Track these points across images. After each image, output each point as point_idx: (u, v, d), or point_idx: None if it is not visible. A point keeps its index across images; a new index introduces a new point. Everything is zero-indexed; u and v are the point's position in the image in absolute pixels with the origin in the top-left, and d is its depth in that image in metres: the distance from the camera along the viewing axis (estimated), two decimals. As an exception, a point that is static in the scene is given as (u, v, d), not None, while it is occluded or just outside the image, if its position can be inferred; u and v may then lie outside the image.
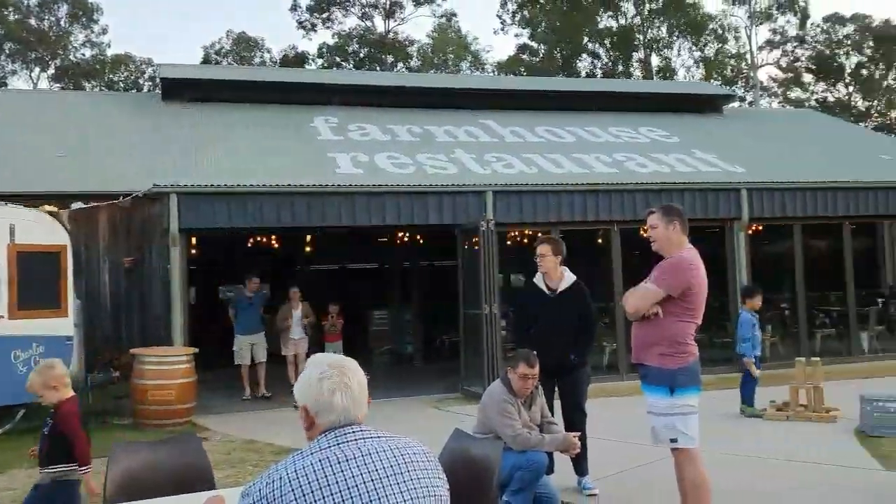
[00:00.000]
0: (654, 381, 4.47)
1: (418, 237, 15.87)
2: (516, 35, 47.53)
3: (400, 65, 45.07)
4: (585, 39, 45.40)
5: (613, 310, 12.01)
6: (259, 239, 15.53)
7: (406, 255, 17.27)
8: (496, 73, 45.00)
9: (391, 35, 46.09)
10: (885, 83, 52.46)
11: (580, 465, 5.91)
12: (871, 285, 15.59)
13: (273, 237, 15.56)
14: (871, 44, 51.57)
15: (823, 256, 15.03)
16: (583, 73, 44.48)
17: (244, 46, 45.18)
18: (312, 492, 1.95)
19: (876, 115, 52.72)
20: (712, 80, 43.52)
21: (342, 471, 1.99)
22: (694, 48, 47.58)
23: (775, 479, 6.27)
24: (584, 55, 46.38)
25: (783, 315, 14.37)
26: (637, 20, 45.79)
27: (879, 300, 14.91)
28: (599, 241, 13.36)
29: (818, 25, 51.39)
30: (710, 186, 12.91)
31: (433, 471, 2.15)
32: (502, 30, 47.34)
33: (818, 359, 9.11)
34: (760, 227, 13.85)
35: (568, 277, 6.13)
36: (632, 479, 6.40)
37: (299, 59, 43.88)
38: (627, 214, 12.15)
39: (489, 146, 15.57)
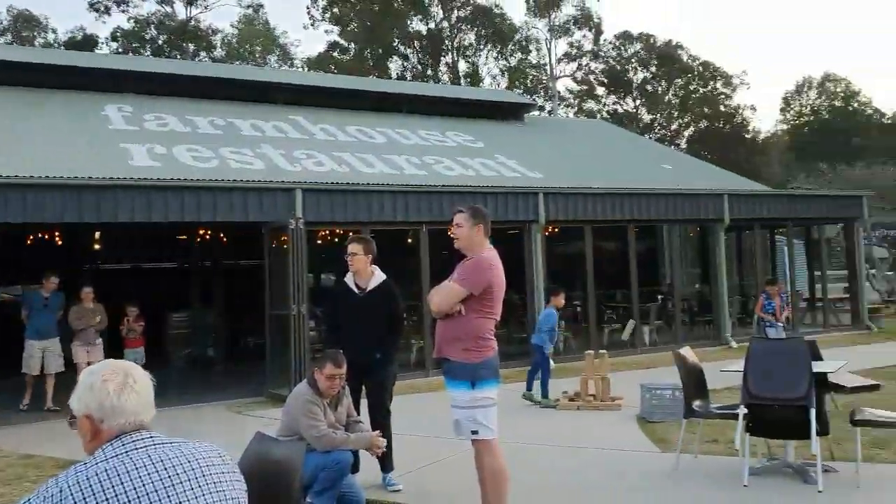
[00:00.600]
0: (457, 376, 4.61)
1: (222, 235, 15.25)
2: (326, 32, 47.13)
3: (203, 55, 43.10)
4: (396, 41, 45.92)
5: (422, 308, 12.24)
6: (42, 236, 14.18)
7: (209, 253, 16.54)
8: (306, 69, 44.32)
9: (193, 23, 43.94)
10: (667, 98, 57.73)
11: (385, 462, 5.96)
12: (652, 283, 17.09)
13: (58, 233, 14.27)
14: (655, 61, 56.52)
15: (611, 257, 16.27)
16: (393, 75, 44.96)
17: (25, 25, 41.14)
18: None
19: (659, 127, 57.89)
20: (515, 89, 45.58)
21: (131, 480, 1.86)
22: (499, 57, 49.65)
23: (568, 464, 6.68)
24: (395, 57, 46.91)
25: (576, 311, 15.37)
26: (445, 25, 46.98)
27: (659, 297, 16.38)
28: (409, 240, 13.57)
29: (611, 42, 55.51)
30: (511, 190, 13.53)
31: (230, 474, 2.06)
32: (312, 25, 46.73)
33: (605, 352, 9.82)
34: (556, 229, 14.73)
35: (378, 276, 6.16)
36: (435, 472, 6.55)
37: (89, 43, 40.64)
38: (435, 215, 12.42)
39: (299, 143, 15.30)
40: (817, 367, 5.99)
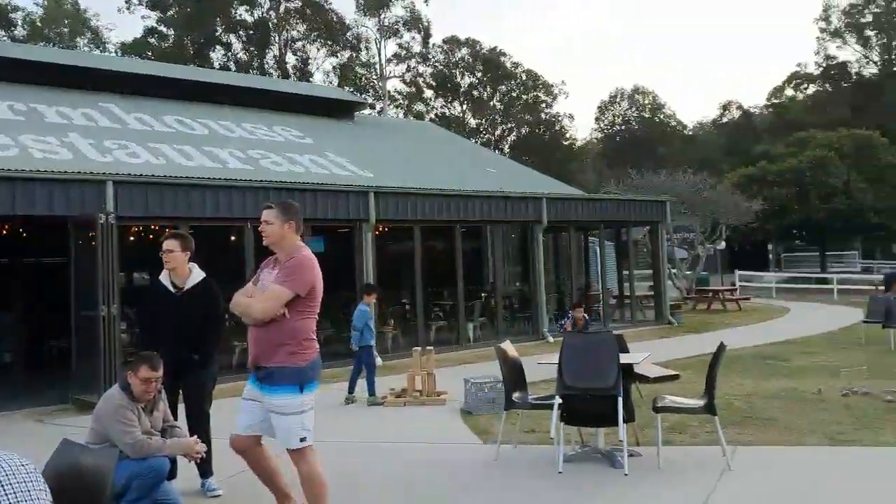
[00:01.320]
0: (283, 381, 4.41)
1: (21, 230, 13.96)
2: (143, 17, 44.43)
3: (1, 33, 39.30)
4: (219, 29, 44.18)
5: (245, 308, 11.82)
6: None
7: (6, 250, 15.07)
8: (120, 54, 41.57)
9: (-10, -3, 40.02)
10: (492, 104, 59.71)
11: (204, 467, 5.71)
12: (476, 282, 17.63)
13: None
14: (480, 67, 58.27)
15: (439, 256, 16.60)
16: (216, 65, 43.24)
17: None
18: None
19: (484, 132, 59.78)
20: (345, 87, 45.36)
21: None
22: (330, 53, 49.18)
23: (391, 459, 6.73)
24: (218, 46, 45.12)
25: (405, 309, 15.54)
26: (272, 15, 45.79)
27: (483, 294, 16.92)
28: (233, 238, 13.10)
29: (438, 46, 56.59)
30: (342, 188, 13.44)
31: (34, 483, 1.89)
32: (128, 9, 43.92)
33: (431, 348, 10.00)
34: (386, 228, 14.82)
35: (196, 275, 5.88)
36: (255, 477, 6.35)
37: None
38: (262, 213, 12.06)
39: (110, 132, 14.33)
40: (624, 358, 6.44)
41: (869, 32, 58.84)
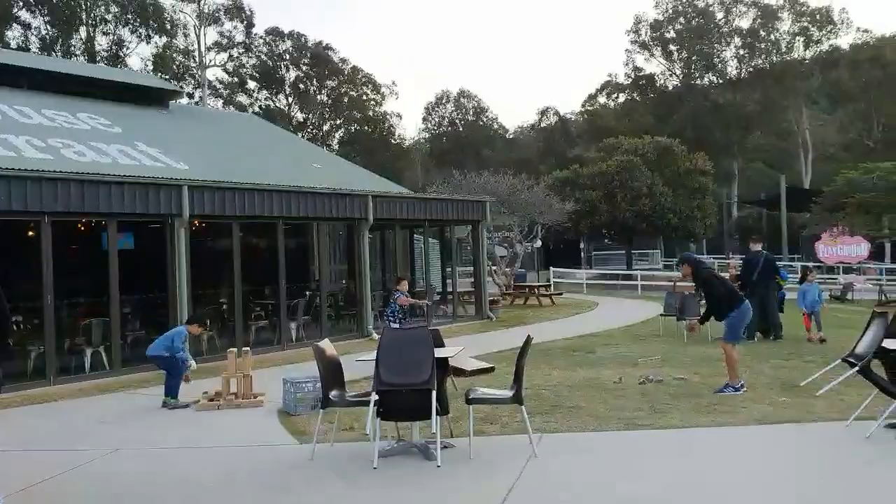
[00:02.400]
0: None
1: None
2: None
3: None
4: (16, 6, 40.43)
5: (42, 311, 10.91)
6: None
7: None
8: None
9: None
10: (319, 98, 58.96)
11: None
12: (300, 279, 17.34)
13: None
14: (307, 61, 57.34)
15: (260, 253, 16.16)
16: (13, 45, 39.52)
17: None
18: None
19: (311, 126, 58.91)
20: (161, 74, 43.02)
21: None
22: (144, 38, 46.42)
23: (197, 465, 6.47)
24: (15, 24, 41.28)
25: (222, 309, 14.99)
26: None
27: (307, 292, 16.67)
28: (29, 233, 12.04)
29: (262, 37, 55.05)
30: (152, 181, 12.72)
31: None
32: None
33: (248, 349, 9.73)
34: (203, 224, 14.21)
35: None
36: (40, 493, 5.88)
37: None
38: (62, 206, 11.18)
39: None
40: (439, 353, 6.59)
41: (672, 47, 64.16)
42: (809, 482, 5.56)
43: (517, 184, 26.80)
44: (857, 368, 6.91)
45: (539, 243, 29.24)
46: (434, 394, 6.08)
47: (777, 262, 14.68)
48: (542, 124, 67.50)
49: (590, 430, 7.22)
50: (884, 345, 6.76)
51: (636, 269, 37.75)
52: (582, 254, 43.93)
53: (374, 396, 6.18)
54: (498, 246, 29.07)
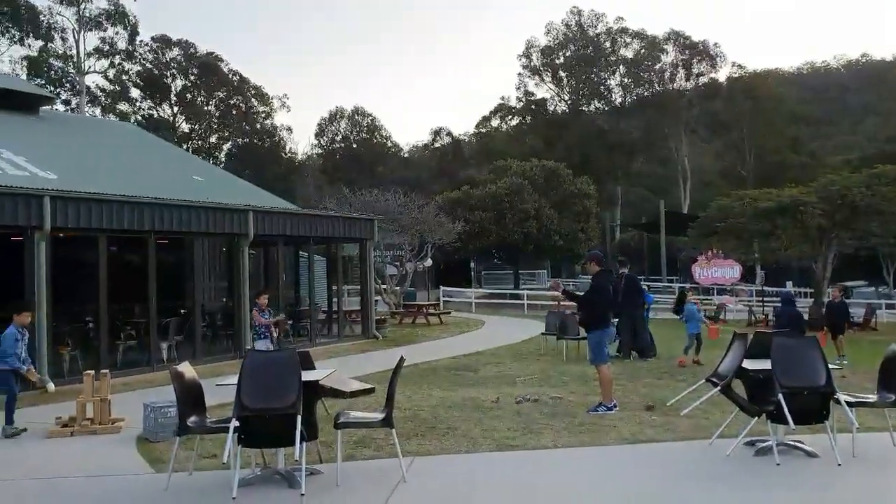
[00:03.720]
0: None
1: None
2: None
3: None
4: None
5: None
6: None
7: None
8: None
9: None
10: (207, 109, 57.28)
11: None
12: (175, 297, 16.56)
13: None
14: (195, 71, 55.64)
15: (131, 269, 15.32)
16: None
17: None
18: None
19: (197, 138, 57.10)
20: (35, 79, 40.70)
21: None
22: (17, 40, 43.82)
23: (50, 499, 5.95)
24: None
25: (86, 328, 14.09)
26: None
27: (182, 311, 15.93)
28: None
29: (147, 44, 53.05)
30: (8, 191, 11.83)
31: None
32: None
33: (107, 371, 9.11)
34: (67, 237, 13.33)
35: None
36: None
37: None
38: None
39: None
40: (307, 375, 6.33)
41: (562, 73, 66.21)
42: (669, 502, 5.64)
43: (408, 202, 26.75)
44: (718, 388, 7.13)
45: (429, 262, 29.27)
46: (299, 419, 5.81)
47: (640, 284, 15.17)
48: (436, 144, 68.06)
49: (462, 452, 7.12)
50: (743, 365, 7.00)
51: (523, 289, 38.42)
52: (472, 273, 44.36)
53: (234, 423, 5.85)
54: (388, 265, 28.91)
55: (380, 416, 6.37)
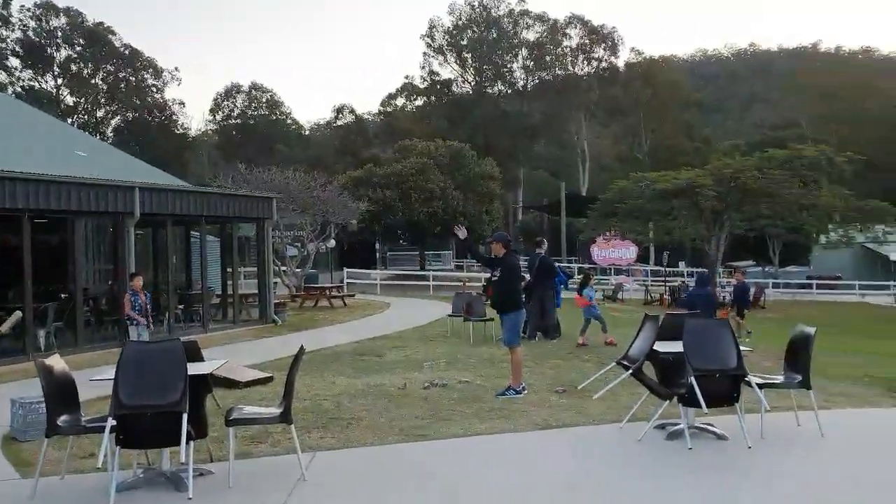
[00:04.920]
0: None
1: None
2: None
3: None
4: None
5: None
6: None
7: None
8: None
9: None
10: (94, 82, 54.09)
11: None
12: (55, 280, 15.35)
13: None
14: (82, 41, 52.38)
15: (3, 251, 14.06)
16: None
17: None
18: None
19: (84, 111, 53.88)
20: None
21: None
22: None
23: None
24: None
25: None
26: None
27: (62, 295, 14.77)
28: None
29: (29, 9, 49.58)
30: None
31: None
32: None
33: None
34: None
35: None
36: None
37: None
38: None
39: None
40: (195, 368, 5.76)
41: (466, 54, 66.06)
42: (582, 489, 5.41)
43: (309, 181, 25.91)
44: (630, 372, 6.98)
45: (332, 243, 28.54)
46: (185, 417, 5.24)
47: (554, 265, 15.00)
48: (339, 122, 66.80)
49: (368, 444, 6.70)
50: (654, 347, 6.86)
51: (429, 270, 38.19)
52: (377, 254, 43.78)
53: (111, 422, 5.22)
54: (289, 246, 28.03)
55: (277, 410, 5.86)
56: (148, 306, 11.54)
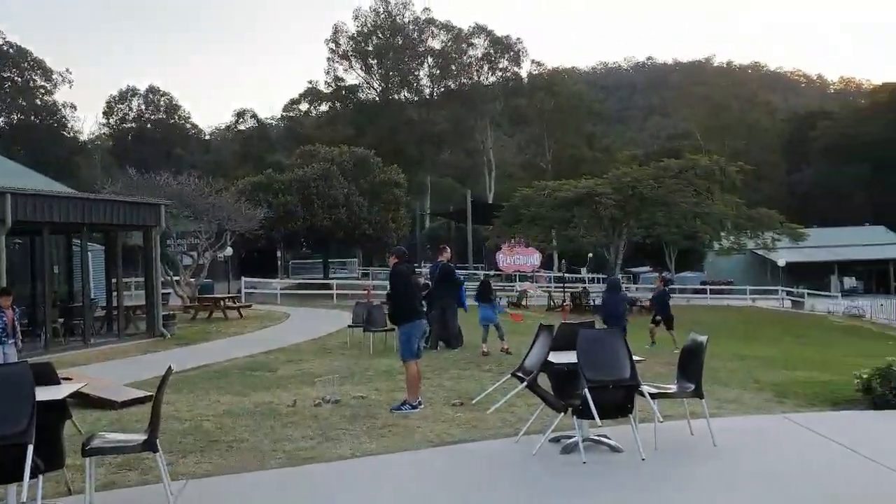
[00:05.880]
0: None
1: None
2: None
3: None
4: None
5: None
6: None
7: None
8: None
9: None
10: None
11: None
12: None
13: None
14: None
15: None
16: None
17: None
18: None
19: (-39, 113, 50.52)
20: None
21: None
22: None
23: None
24: None
25: None
26: None
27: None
28: None
29: None
30: None
31: None
32: None
33: None
34: None
35: None
36: None
37: None
38: None
39: None
40: (45, 393, 5.17)
41: (372, 61, 65.61)
42: (476, 515, 5.14)
43: (204, 187, 24.89)
44: (525, 384, 6.78)
45: (229, 251, 27.52)
46: (30, 449, 4.66)
47: (454, 272, 14.45)
48: (241, 127, 65.05)
49: (248, 470, 6.22)
50: (549, 358, 6.69)
51: (333, 279, 37.50)
52: (278, 262, 42.67)
53: (-59, 458, 4.59)
54: (184, 254, 26.88)
55: (141, 437, 5.33)
56: (16, 323, 10.64)
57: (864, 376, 8.01)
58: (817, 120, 73.95)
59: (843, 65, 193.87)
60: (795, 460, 6.25)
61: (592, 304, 27.05)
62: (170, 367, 5.72)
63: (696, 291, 43.15)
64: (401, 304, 8.50)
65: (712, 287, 44.04)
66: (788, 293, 41.51)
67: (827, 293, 44.44)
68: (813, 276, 48.89)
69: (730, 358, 13.32)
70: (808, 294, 40.69)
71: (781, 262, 45.49)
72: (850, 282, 52.84)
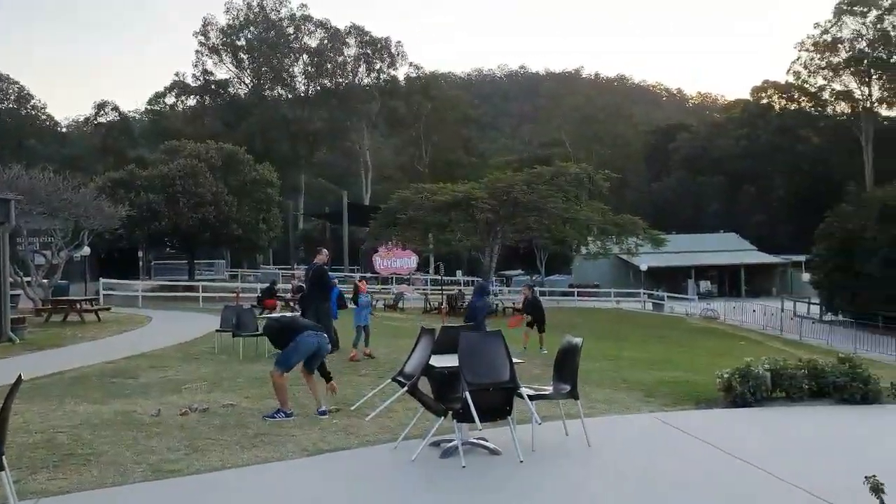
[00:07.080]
0: None
1: None
2: None
3: None
4: None
5: None
6: None
7: None
8: None
9: None
10: None
11: None
12: None
13: None
14: None
15: None
16: None
17: None
18: None
19: None
20: None
21: None
22: None
23: None
24: None
25: None
26: None
27: None
28: None
29: None
30: None
31: None
32: None
33: None
34: None
35: None
36: None
37: None
38: None
39: None
40: None
41: (243, 55, 63.70)
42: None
43: (59, 182, 23.25)
44: (405, 388, 6.67)
45: (87, 251, 25.85)
46: None
47: (326, 274, 13.94)
48: (101, 119, 61.46)
49: (107, 486, 5.77)
50: (430, 362, 6.63)
51: (199, 280, 36.04)
52: (140, 263, 40.52)
53: None
54: (36, 253, 25.04)
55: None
56: None
57: (725, 376, 8.45)
58: (677, 132, 78.49)
59: (700, 80, 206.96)
60: (664, 458, 6.47)
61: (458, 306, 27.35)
62: (19, 376, 5.19)
63: (564, 294, 44.65)
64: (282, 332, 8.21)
65: (580, 290, 45.70)
66: (650, 296, 43.69)
67: (685, 296, 47.14)
68: (672, 279, 51.72)
69: (599, 358, 13.77)
70: (668, 297, 42.98)
71: (643, 267, 47.84)
72: (705, 285, 56.28)
